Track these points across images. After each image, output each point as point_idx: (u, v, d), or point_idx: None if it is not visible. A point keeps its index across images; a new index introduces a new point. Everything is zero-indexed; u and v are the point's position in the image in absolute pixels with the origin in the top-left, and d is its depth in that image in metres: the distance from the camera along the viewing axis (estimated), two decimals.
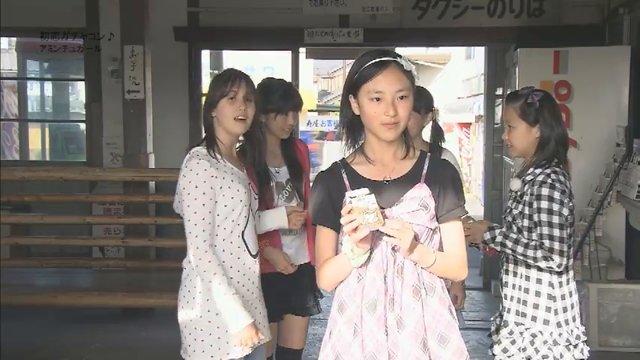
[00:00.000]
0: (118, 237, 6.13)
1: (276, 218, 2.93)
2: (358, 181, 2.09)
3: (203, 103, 2.72)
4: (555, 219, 2.55)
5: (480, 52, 9.95)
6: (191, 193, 2.53)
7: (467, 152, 17.53)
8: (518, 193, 2.69)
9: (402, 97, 2.05)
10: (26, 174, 5.39)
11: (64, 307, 5.33)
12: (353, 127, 2.16)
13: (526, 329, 2.66)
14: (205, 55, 7.84)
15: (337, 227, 2.09)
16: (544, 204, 2.56)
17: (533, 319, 2.65)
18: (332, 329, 2.12)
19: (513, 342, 2.68)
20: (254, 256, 2.71)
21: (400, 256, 2.04)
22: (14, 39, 8.88)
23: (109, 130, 7.05)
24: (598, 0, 6.70)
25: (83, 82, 7.67)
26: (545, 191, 2.57)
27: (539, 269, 2.63)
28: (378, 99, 2.04)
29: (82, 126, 8.08)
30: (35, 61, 9.32)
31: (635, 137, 5.20)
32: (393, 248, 2.03)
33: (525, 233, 2.64)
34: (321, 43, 7.06)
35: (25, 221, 5.94)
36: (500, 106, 7.02)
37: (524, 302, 2.68)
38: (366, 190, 1.94)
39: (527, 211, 2.63)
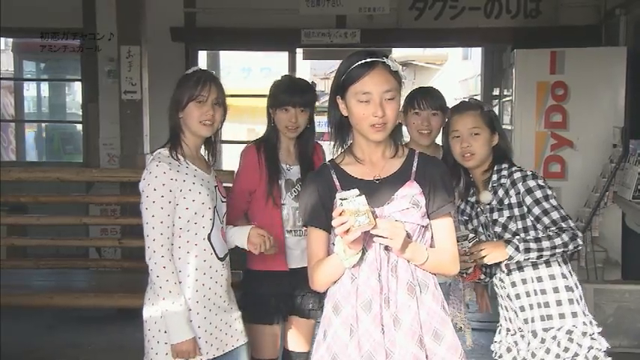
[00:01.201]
0: (114, 238, 6.10)
1: (237, 235, 2.78)
2: (348, 181, 2.09)
3: (171, 102, 2.67)
4: (554, 201, 2.54)
5: (477, 52, 9.96)
6: (149, 196, 2.50)
7: None
8: (492, 202, 2.63)
9: (389, 98, 2.06)
10: (22, 174, 5.38)
11: (60, 307, 5.31)
12: (341, 128, 2.17)
13: (558, 330, 2.54)
14: (202, 55, 7.84)
15: (329, 228, 2.10)
16: (539, 193, 2.54)
17: (561, 316, 2.55)
18: (326, 330, 2.12)
19: (548, 350, 2.53)
20: (221, 259, 2.64)
21: (394, 254, 2.05)
22: (10, 39, 8.85)
23: (105, 131, 7.04)
24: (594, 1, 6.73)
25: (80, 83, 7.68)
26: (532, 183, 2.55)
27: (547, 265, 2.57)
28: (366, 100, 2.05)
29: (79, 126, 8.08)
30: (32, 62, 9.31)
31: (631, 138, 5.21)
32: (386, 247, 2.04)
33: (523, 235, 2.57)
34: (318, 44, 7.07)
35: (21, 222, 5.92)
36: (497, 107, 7.03)
37: (546, 304, 2.57)
38: (356, 192, 1.94)
39: (517, 212, 2.58)
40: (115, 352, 4.84)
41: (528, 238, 2.50)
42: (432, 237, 2.16)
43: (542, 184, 2.57)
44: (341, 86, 2.10)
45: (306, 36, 6.98)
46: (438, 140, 3.40)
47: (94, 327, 5.36)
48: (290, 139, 3.07)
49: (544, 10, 6.85)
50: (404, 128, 3.33)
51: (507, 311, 2.69)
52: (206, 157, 2.75)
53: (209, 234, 2.59)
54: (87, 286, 5.73)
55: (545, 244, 2.46)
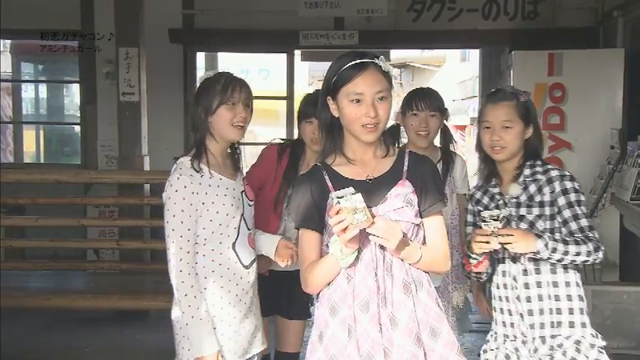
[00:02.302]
0: (112, 239, 6.11)
1: (265, 244, 2.76)
2: (340, 182, 2.10)
3: (195, 109, 2.58)
4: (585, 209, 2.46)
5: (475, 54, 9.98)
6: (170, 210, 2.46)
7: (462, 154, 17.54)
8: (521, 197, 2.51)
9: (381, 98, 2.08)
10: (21, 176, 5.38)
11: (58, 309, 5.31)
12: (332, 129, 2.17)
13: (566, 338, 2.43)
14: (200, 57, 7.84)
15: (321, 229, 2.11)
16: (573, 197, 2.45)
17: (571, 325, 2.44)
18: (323, 332, 2.12)
19: (553, 359, 2.42)
20: (247, 267, 2.61)
21: (389, 253, 2.06)
22: (8, 41, 8.85)
23: (103, 133, 7.05)
24: (592, 3, 6.74)
25: (78, 85, 7.68)
26: (569, 184, 2.47)
27: (565, 271, 2.47)
28: (358, 100, 2.06)
29: (77, 128, 8.07)
30: (30, 63, 9.31)
31: (629, 140, 5.21)
32: (381, 246, 2.05)
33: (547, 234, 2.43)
34: (317, 46, 7.07)
35: (19, 223, 5.92)
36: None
37: (559, 310, 2.45)
38: (351, 190, 1.95)
39: (547, 211, 2.46)
40: (113, 354, 4.84)
41: (557, 237, 2.40)
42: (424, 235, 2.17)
43: (579, 188, 2.48)
44: (332, 87, 2.10)
45: (305, 38, 6.98)
46: (436, 142, 3.38)
47: (92, 329, 5.35)
48: (314, 152, 3.05)
49: (542, 12, 6.86)
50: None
51: (510, 315, 2.53)
52: (234, 161, 2.69)
53: (234, 243, 2.56)
54: (85, 288, 5.74)
55: (572, 248, 2.37)
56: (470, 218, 2.68)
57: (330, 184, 2.13)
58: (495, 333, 2.61)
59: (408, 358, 2.01)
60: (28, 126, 9.36)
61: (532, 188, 2.50)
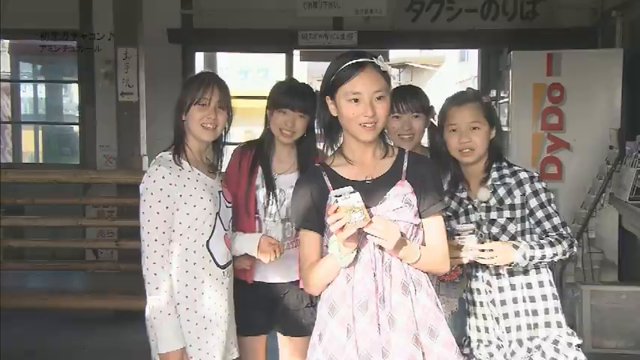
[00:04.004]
0: (111, 239, 6.10)
1: (246, 242, 2.67)
2: (340, 183, 2.10)
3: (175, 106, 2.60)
4: (554, 206, 2.46)
5: (473, 54, 9.96)
6: (146, 200, 2.45)
7: None
8: (490, 201, 2.47)
9: (379, 98, 2.08)
10: (19, 176, 5.38)
11: (57, 310, 5.31)
12: (330, 129, 2.18)
13: (543, 339, 2.42)
14: (199, 57, 7.83)
15: (322, 230, 2.11)
16: (544, 196, 2.44)
17: (547, 325, 2.43)
18: (322, 332, 2.12)
19: None
20: (222, 267, 2.55)
21: (387, 253, 2.06)
22: (7, 41, 8.84)
23: (102, 133, 7.05)
24: (591, 3, 6.74)
25: (76, 85, 7.67)
26: (539, 185, 2.45)
27: (537, 271, 2.45)
28: (356, 100, 2.06)
29: (76, 128, 8.07)
30: (28, 63, 9.29)
31: (627, 139, 5.22)
32: (380, 246, 2.05)
33: (520, 238, 2.43)
34: (315, 46, 7.07)
35: (18, 224, 5.91)
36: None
37: (535, 312, 2.43)
38: (350, 189, 1.95)
39: (518, 214, 2.45)
40: (111, 355, 4.83)
41: (532, 244, 2.36)
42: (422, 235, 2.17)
43: (546, 186, 2.48)
44: (331, 87, 2.11)
45: (304, 38, 6.98)
46: (424, 141, 3.14)
47: (90, 329, 5.34)
48: (284, 144, 2.88)
49: (540, 12, 6.86)
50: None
51: (485, 319, 2.50)
52: (213, 160, 2.67)
53: (207, 240, 2.51)
54: (83, 288, 5.73)
55: (548, 251, 2.36)
56: None
57: (329, 184, 2.13)
58: (469, 338, 2.57)
59: (406, 358, 2.01)
60: (27, 126, 9.36)
61: (501, 191, 2.47)
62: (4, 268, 5.53)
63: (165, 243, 2.45)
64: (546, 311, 2.44)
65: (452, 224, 2.48)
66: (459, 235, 2.35)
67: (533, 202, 2.44)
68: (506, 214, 2.45)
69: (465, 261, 2.35)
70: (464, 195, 2.55)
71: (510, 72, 5.96)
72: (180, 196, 2.45)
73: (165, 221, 2.44)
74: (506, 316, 2.45)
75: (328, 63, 2.16)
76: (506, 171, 2.51)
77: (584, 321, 4.68)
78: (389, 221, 2.02)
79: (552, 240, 2.38)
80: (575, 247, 2.42)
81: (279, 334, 3.02)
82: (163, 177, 2.44)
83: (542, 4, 6.84)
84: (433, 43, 7.92)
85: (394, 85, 2.16)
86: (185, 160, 2.53)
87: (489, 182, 2.50)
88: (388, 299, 2.04)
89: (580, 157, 5.71)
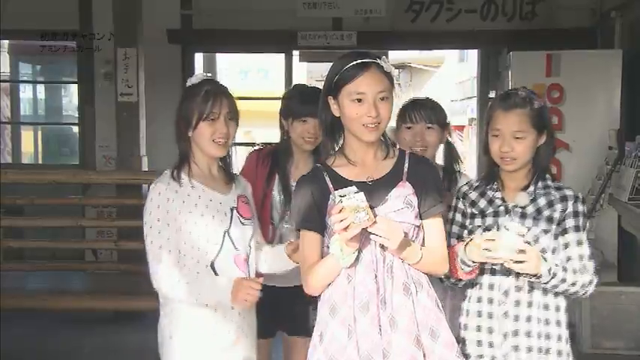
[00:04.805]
0: (111, 240, 6.09)
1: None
2: (341, 183, 2.09)
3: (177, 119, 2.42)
4: (587, 236, 2.30)
5: (473, 55, 9.97)
6: (146, 223, 2.33)
7: (460, 155, 17.52)
8: (527, 208, 2.29)
9: (383, 98, 2.08)
10: (19, 176, 5.38)
11: (56, 310, 5.31)
12: (332, 129, 2.18)
13: None
14: (199, 57, 7.83)
15: (322, 230, 2.11)
16: (582, 221, 2.27)
17: (559, 354, 2.26)
18: (323, 333, 2.12)
19: None
20: None
21: (389, 254, 2.06)
22: (6, 41, 8.84)
23: (101, 133, 7.04)
24: (590, 3, 6.75)
25: (76, 85, 7.67)
26: (581, 207, 2.28)
27: (556, 295, 2.26)
28: (359, 100, 2.06)
29: (75, 128, 8.06)
30: (28, 64, 9.29)
31: (627, 140, 5.22)
32: (382, 247, 2.05)
33: (549, 254, 2.24)
34: (315, 46, 7.07)
35: (17, 224, 5.91)
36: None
37: (547, 335, 2.25)
38: (354, 189, 1.96)
39: (554, 229, 2.26)
40: (111, 355, 4.84)
41: (557, 262, 2.20)
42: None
43: (586, 212, 2.32)
44: (334, 87, 2.11)
45: (303, 38, 6.99)
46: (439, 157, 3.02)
47: (90, 329, 5.34)
48: (304, 152, 2.89)
49: (540, 13, 6.87)
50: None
51: (490, 333, 2.28)
52: (224, 175, 2.49)
53: (213, 260, 2.35)
54: (83, 289, 5.73)
55: (570, 277, 2.19)
56: (459, 218, 2.41)
57: (330, 185, 2.13)
58: (468, 355, 2.30)
59: (407, 359, 2.01)
60: (26, 126, 9.35)
61: (542, 201, 2.30)
62: (4, 268, 5.53)
63: (172, 261, 2.32)
64: (559, 338, 2.27)
65: (486, 221, 2.31)
66: (506, 228, 2.11)
67: (570, 222, 2.27)
68: (542, 225, 2.27)
69: (499, 261, 2.13)
70: (498, 195, 2.36)
71: (510, 72, 5.96)
72: (180, 212, 2.32)
73: (168, 239, 2.32)
74: (516, 333, 2.25)
75: (328, 63, 2.16)
76: (550, 183, 2.34)
77: (584, 321, 4.68)
78: (392, 221, 2.02)
79: (576, 269, 2.23)
80: (592, 287, 2.25)
81: (282, 335, 3.04)
82: (159, 193, 2.34)
83: (541, 4, 6.85)
84: (433, 43, 7.93)
85: (396, 85, 2.16)
86: (186, 174, 2.39)
87: (531, 188, 2.32)
88: (389, 300, 2.04)
89: (579, 157, 5.72)
